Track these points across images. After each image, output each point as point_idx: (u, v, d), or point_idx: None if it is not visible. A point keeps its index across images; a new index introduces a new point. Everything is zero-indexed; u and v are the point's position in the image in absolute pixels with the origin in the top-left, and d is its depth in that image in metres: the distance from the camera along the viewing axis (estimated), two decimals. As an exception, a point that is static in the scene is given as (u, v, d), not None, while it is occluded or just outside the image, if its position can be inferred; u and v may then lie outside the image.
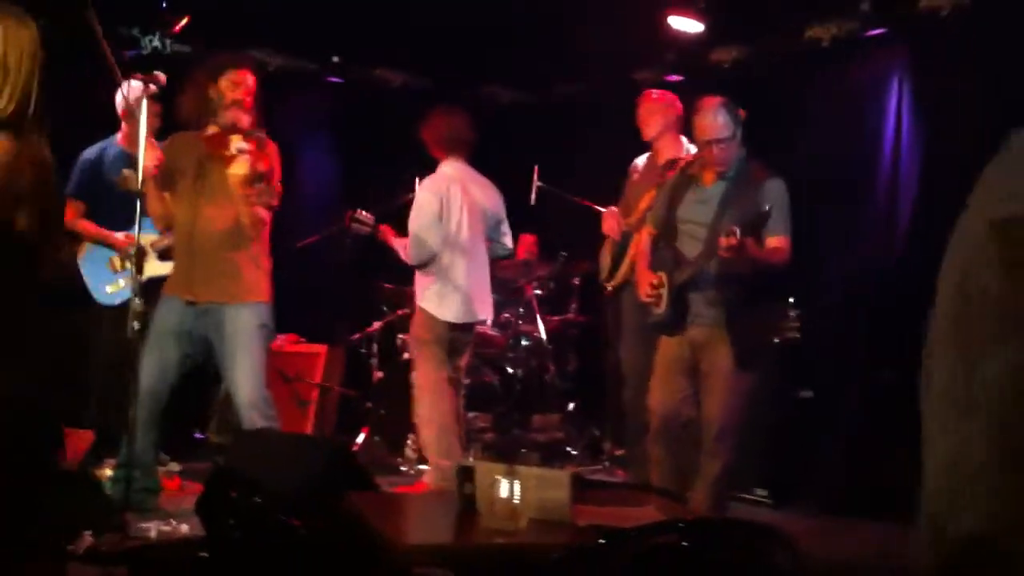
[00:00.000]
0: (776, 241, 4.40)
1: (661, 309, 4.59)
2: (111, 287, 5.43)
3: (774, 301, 4.82)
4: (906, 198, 5.94)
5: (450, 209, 5.38)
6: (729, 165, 4.49)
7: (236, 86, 4.64)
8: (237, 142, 4.51)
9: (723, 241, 4.14)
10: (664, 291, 4.56)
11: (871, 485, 5.05)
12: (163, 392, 4.69)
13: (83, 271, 5.47)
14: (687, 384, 4.54)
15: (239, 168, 4.48)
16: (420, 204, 5.39)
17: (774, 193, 4.39)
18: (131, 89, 5.15)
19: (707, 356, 4.47)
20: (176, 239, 4.77)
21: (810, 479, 5.41)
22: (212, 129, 4.64)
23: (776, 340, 5.62)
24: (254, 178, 4.48)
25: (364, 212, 5.61)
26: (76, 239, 5.48)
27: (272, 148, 4.73)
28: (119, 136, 5.54)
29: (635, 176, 5.99)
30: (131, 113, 5.32)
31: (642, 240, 4.92)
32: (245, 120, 4.61)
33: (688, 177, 4.68)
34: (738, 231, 4.10)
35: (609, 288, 5.96)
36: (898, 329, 5.80)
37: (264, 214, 4.66)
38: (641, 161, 5.99)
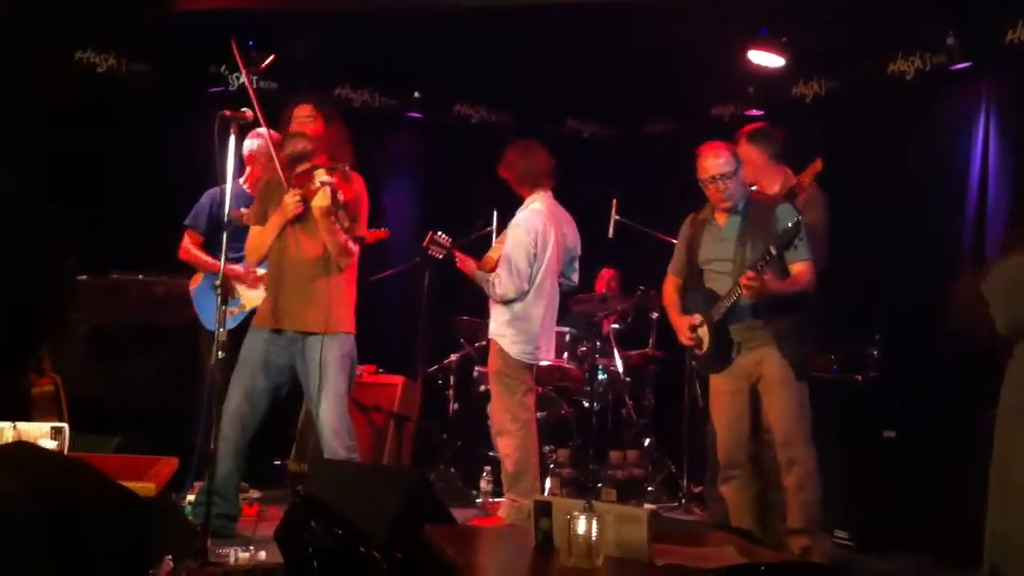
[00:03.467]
0: (798, 267, 4.53)
1: (704, 349, 4.70)
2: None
3: (815, 332, 4.82)
4: (994, 233, 5.81)
5: (544, 248, 5.37)
6: (734, 200, 4.63)
7: (298, 118, 4.89)
8: (321, 176, 4.64)
9: (743, 280, 4.34)
10: (704, 330, 4.68)
11: (955, 529, 4.91)
12: (249, 421, 4.77)
13: (196, 299, 5.62)
14: (748, 420, 4.64)
15: (321, 200, 4.59)
16: (516, 240, 5.36)
17: (787, 216, 4.46)
18: (258, 136, 5.46)
19: (762, 373, 4.58)
20: (268, 271, 4.92)
21: (893, 522, 5.29)
22: (301, 167, 4.77)
23: (858, 377, 5.53)
24: (336, 208, 4.58)
25: (443, 235, 5.60)
26: (191, 270, 5.67)
27: (357, 180, 4.84)
28: (243, 179, 5.68)
29: None
30: (256, 159, 5.54)
31: (667, 291, 5.00)
32: (318, 149, 4.74)
33: (701, 222, 4.81)
34: (757, 268, 4.31)
35: None
36: (982, 370, 5.68)
37: (352, 246, 4.77)
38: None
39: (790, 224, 4.30)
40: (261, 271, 5.28)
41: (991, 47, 5.89)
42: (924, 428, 5.46)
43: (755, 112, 7.46)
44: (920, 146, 6.27)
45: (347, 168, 4.76)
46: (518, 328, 5.36)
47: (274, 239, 4.81)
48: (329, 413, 4.68)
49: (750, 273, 4.34)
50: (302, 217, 4.76)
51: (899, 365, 5.63)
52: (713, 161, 4.62)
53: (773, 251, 4.30)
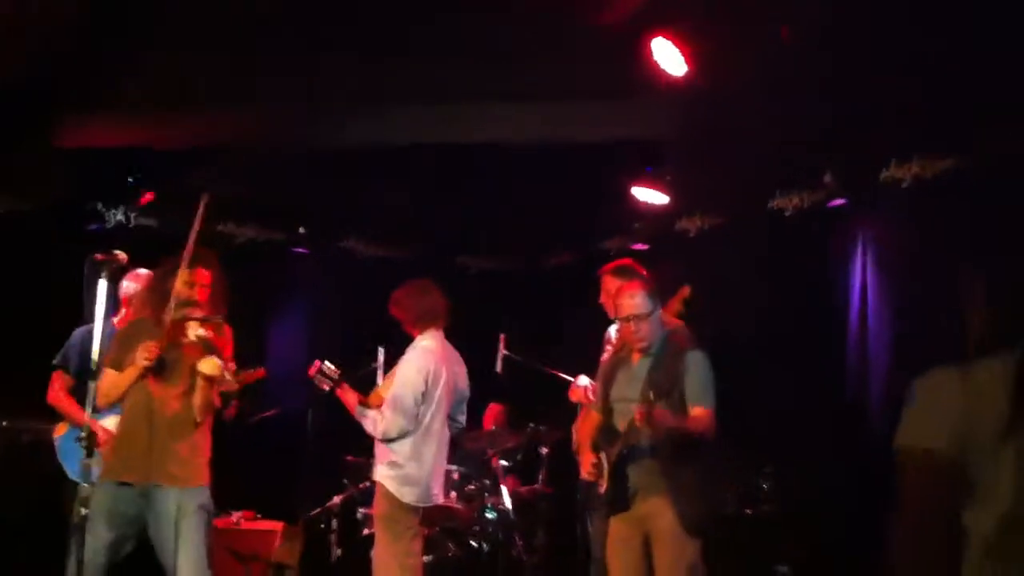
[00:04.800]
0: (697, 411, 4.43)
1: (603, 488, 4.59)
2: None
3: (722, 484, 4.76)
4: (877, 364, 5.89)
5: (434, 386, 5.22)
6: (647, 340, 4.59)
7: (193, 285, 4.61)
8: (195, 329, 4.45)
9: (636, 413, 4.25)
10: (603, 468, 4.60)
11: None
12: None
13: (60, 449, 5.33)
14: (641, 571, 4.47)
15: (211, 369, 4.40)
16: (405, 378, 5.18)
17: (693, 363, 4.47)
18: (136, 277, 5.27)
19: (653, 525, 4.43)
20: (125, 420, 4.61)
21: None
22: (168, 316, 4.55)
23: (748, 512, 5.47)
24: (221, 378, 4.42)
25: (331, 366, 5.37)
26: (57, 417, 5.40)
27: (228, 333, 4.66)
28: (116, 319, 5.45)
29: (608, 346, 5.91)
30: (131, 300, 5.33)
31: (586, 426, 4.94)
32: (199, 313, 4.56)
33: (618, 360, 4.78)
34: (650, 398, 4.23)
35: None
36: (875, 503, 5.68)
37: (217, 401, 4.57)
38: (613, 331, 5.90)
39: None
40: (111, 420, 5.00)
41: (867, 185, 6.08)
42: (818, 563, 5.41)
43: (641, 246, 7.57)
44: (801, 280, 6.40)
45: (221, 321, 4.60)
46: (404, 471, 5.15)
47: (133, 390, 4.57)
48: (189, 567, 4.41)
49: (643, 405, 4.24)
50: (169, 370, 4.54)
51: (791, 500, 5.59)
52: (628, 301, 4.57)
53: (651, 396, 4.24)
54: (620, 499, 4.49)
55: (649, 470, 4.44)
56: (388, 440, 5.18)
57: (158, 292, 4.63)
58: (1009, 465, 1.76)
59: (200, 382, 4.46)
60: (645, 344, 4.58)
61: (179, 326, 4.52)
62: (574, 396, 5.83)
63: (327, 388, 5.33)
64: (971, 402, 1.81)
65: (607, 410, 4.69)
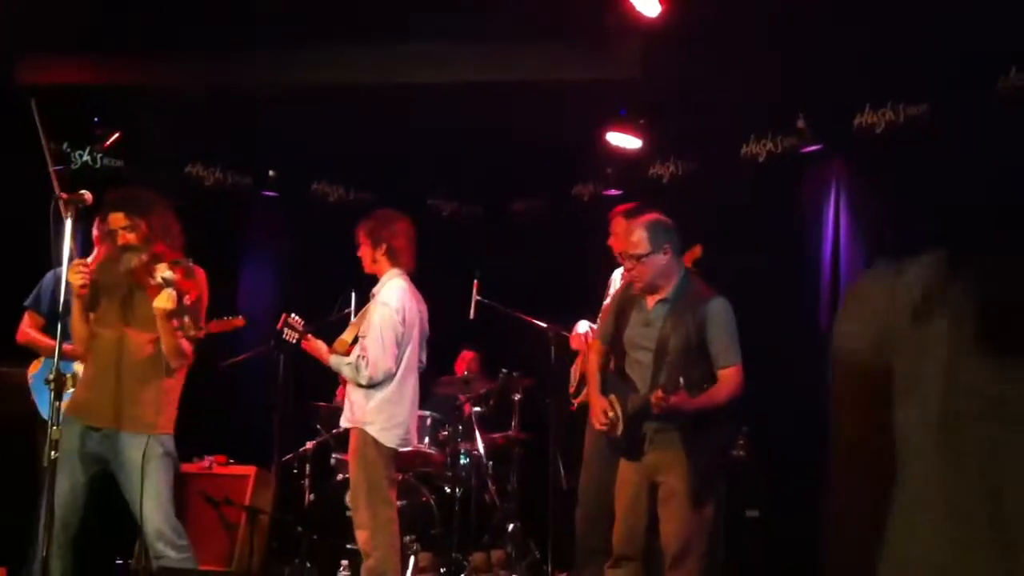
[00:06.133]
0: (725, 373, 4.27)
1: (617, 435, 4.44)
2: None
3: (730, 423, 4.68)
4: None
5: (411, 327, 5.10)
6: (643, 281, 4.40)
7: (114, 230, 4.54)
8: (163, 271, 4.38)
9: (653, 399, 4.14)
10: (618, 418, 4.41)
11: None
12: (73, 518, 4.45)
13: (35, 387, 5.29)
14: (644, 516, 4.36)
15: (164, 302, 4.34)
16: (385, 318, 5.02)
17: (714, 315, 4.28)
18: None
19: (665, 479, 4.30)
20: (95, 362, 4.57)
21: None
22: (139, 258, 4.48)
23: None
24: (179, 312, 4.35)
25: (297, 318, 5.26)
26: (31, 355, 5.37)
27: (200, 275, 4.59)
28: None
29: (610, 291, 5.83)
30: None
31: (591, 359, 4.74)
32: (145, 256, 4.48)
33: (632, 299, 4.55)
34: (668, 389, 4.09)
35: (574, 404, 5.79)
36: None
37: (187, 346, 4.51)
38: (617, 275, 5.67)
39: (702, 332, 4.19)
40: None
41: (841, 130, 6.07)
42: (787, 507, 5.47)
43: (614, 192, 7.53)
44: (774, 226, 6.39)
45: (190, 263, 4.52)
46: (388, 413, 5.04)
47: (100, 328, 4.50)
48: (154, 513, 4.40)
49: (659, 393, 4.12)
50: (132, 310, 4.48)
51: (760, 445, 5.63)
52: (629, 240, 4.41)
53: (667, 391, 4.09)
54: (633, 449, 4.37)
55: (663, 427, 4.28)
56: (373, 385, 5.06)
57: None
58: (931, 357, 1.70)
59: (160, 322, 4.40)
60: (641, 285, 4.40)
61: (147, 267, 4.46)
62: (574, 343, 5.76)
63: (294, 340, 5.25)
64: (896, 295, 1.74)
65: (618, 351, 4.50)
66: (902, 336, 1.68)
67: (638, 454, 4.37)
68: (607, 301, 5.22)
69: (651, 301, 4.43)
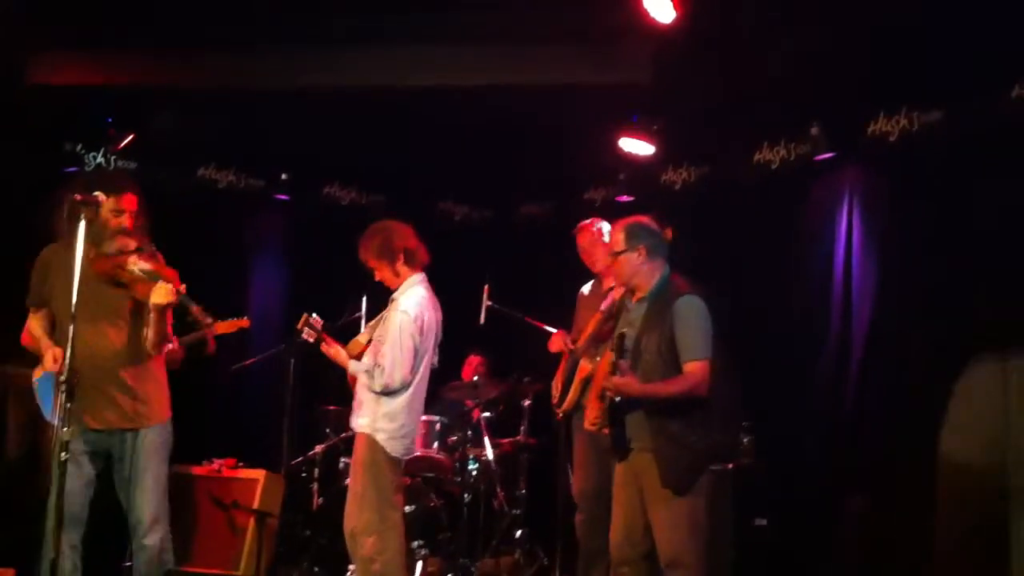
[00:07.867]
0: (688, 367, 4.23)
1: (607, 433, 4.46)
2: None
3: (725, 432, 4.65)
4: (860, 318, 5.88)
5: (428, 337, 5.04)
6: (621, 279, 4.56)
7: (121, 213, 4.45)
8: (135, 263, 4.35)
9: (605, 383, 4.27)
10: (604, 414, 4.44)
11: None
12: (81, 517, 4.47)
13: (39, 390, 5.22)
14: (641, 518, 4.31)
15: (163, 296, 4.31)
16: (404, 329, 4.95)
17: (680, 311, 4.27)
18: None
19: (645, 482, 4.28)
20: (73, 370, 4.42)
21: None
22: (100, 252, 4.44)
23: (729, 466, 5.47)
24: (184, 303, 4.35)
25: (318, 318, 5.16)
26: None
27: (162, 262, 4.55)
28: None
29: (581, 301, 5.91)
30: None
31: (602, 366, 4.67)
32: (131, 244, 4.45)
33: (624, 302, 4.71)
34: (618, 371, 4.20)
35: (559, 413, 5.80)
36: (855, 454, 5.71)
37: (172, 336, 4.57)
38: (587, 288, 5.93)
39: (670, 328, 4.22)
40: None
41: (854, 138, 6.04)
42: (794, 515, 5.44)
43: (626, 198, 7.51)
44: (786, 233, 6.37)
45: (154, 250, 4.48)
46: (399, 423, 4.99)
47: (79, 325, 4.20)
48: (146, 495, 4.45)
49: (610, 380, 4.22)
50: (110, 306, 4.43)
51: (770, 452, 5.61)
52: (611, 238, 4.65)
53: (618, 371, 4.20)
54: (621, 446, 4.36)
55: (637, 420, 4.30)
56: (388, 393, 5.01)
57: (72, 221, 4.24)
58: None
59: (153, 315, 4.38)
60: (618, 281, 4.60)
61: (115, 261, 4.40)
62: (553, 346, 5.81)
63: (312, 340, 5.20)
64: (1012, 400, 1.64)
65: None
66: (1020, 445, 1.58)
67: (625, 452, 4.37)
68: (579, 305, 5.58)
69: (635, 300, 4.53)
